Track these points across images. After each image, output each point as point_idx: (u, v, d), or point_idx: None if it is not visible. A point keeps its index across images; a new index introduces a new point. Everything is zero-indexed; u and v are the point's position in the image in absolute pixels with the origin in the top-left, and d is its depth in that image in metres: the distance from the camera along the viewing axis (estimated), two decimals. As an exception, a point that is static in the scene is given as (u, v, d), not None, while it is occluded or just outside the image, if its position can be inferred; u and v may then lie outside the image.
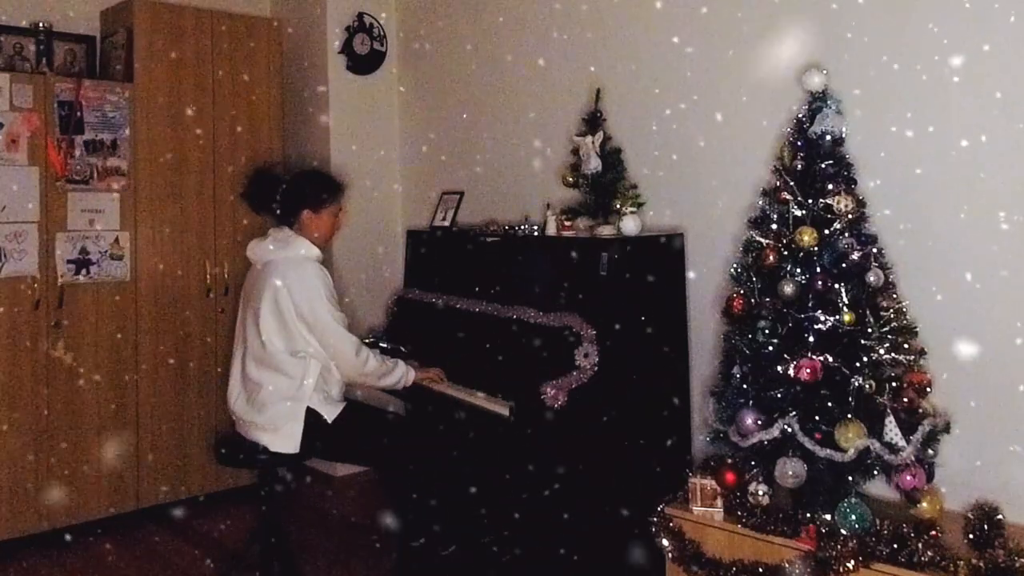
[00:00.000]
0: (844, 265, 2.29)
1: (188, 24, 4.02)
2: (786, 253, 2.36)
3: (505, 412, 2.79)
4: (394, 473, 3.03)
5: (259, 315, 2.88)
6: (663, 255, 3.07)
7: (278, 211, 3.04)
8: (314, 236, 3.01)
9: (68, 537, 3.65)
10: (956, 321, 2.45)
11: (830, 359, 2.24)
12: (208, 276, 4.07)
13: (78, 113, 3.69)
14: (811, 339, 2.27)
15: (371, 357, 2.95)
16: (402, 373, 3.05)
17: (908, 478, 2.16)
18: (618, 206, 3.10)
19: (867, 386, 2.22)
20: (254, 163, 3.93)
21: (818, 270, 2.31)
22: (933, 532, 2.11)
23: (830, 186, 2.33)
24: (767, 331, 2.34)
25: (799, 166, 2.39)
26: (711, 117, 3.12)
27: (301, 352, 2.88)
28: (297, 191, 3.04)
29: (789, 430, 2.24)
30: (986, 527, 2.10)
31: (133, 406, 3.86)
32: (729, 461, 2.41)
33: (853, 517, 2.17)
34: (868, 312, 2.27)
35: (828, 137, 2.36)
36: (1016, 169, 2.36)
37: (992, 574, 1.97)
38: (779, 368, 2.29)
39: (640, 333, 2.87)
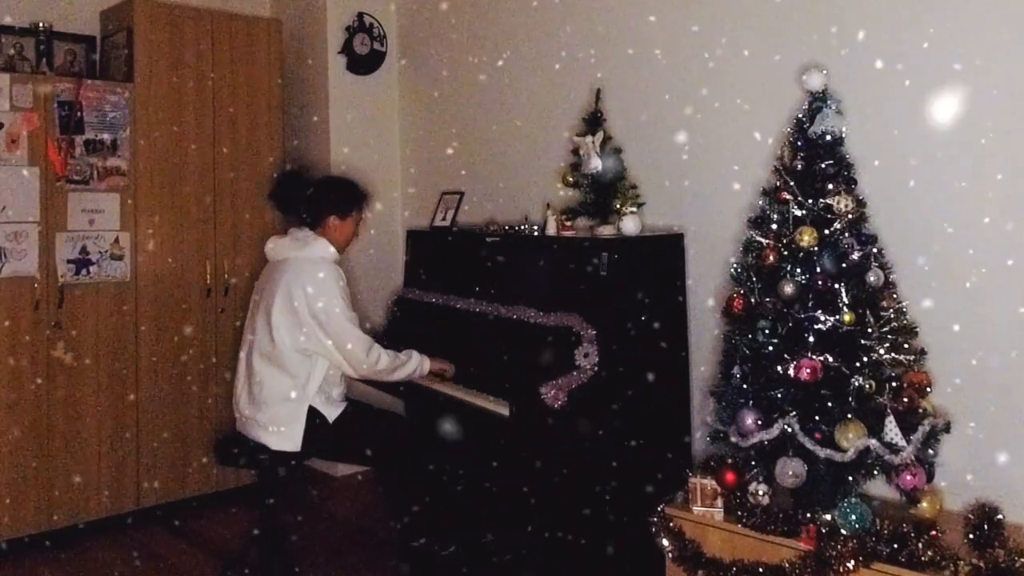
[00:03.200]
0: (844, 265, 2.29)
1: (188, 24, 4.02)
2: (786, 253, 2.36)
3: (505, 412, 2.79)
4: (394, 473, 3.03)
5: (271, 311, 2.89)
6: (663, 255, 3.07)
7: (305, 214, 3.07)
8: (335, 240, 3.04)
9: (68, 537, 3.65)
10: (956, 321, 2.45)
11: (830, 359, 2.24)
12: (208, 276, 4.07)
13: (78, 113, 3.68)
14: (811, 339, 2.27)
15: (383, 354, 2.95)
16: (417, 363, 3.06)
17: (908, 478, 2.16)
18: (618, 206, 3.11)
19: (867, 386, 2.22)
20: (281, 165, 4.00)
21: (818, 270, 2.30)
22: (933, 532, 2.11)
23: (830, 186, 2.33)
24: (767, 331, 2.34)
25: (799, 166, 2.38)
26: (711, 117, 3.13)
27: (309, 351, 2.89)
28: (326, 197, 3.08)
29: (789, 430, 2.24)
30: (986, 527, 2.10)
31: (133, 406, 3.85)
32: (729, 461, 2.41)
33: (853, 517, 2.16)
34: (868, 312, 2.27)
35: (828, 137, 2.36)
36: (1016, 169, 2.36)
37: (992, 574, 1.97)
38: (779, 368, 2.29)
39: (640, 333, 2.87)
